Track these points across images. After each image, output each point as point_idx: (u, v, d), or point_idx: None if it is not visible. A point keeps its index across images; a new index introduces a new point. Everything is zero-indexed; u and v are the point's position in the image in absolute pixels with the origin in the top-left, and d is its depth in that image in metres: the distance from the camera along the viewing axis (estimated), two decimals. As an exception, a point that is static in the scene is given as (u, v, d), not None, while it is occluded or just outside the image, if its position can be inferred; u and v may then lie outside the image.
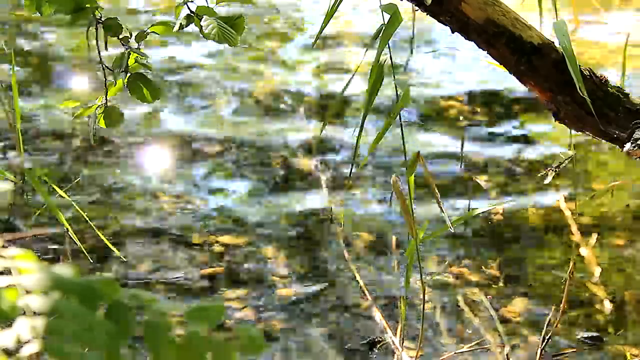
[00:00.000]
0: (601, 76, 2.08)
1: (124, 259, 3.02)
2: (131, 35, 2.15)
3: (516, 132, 3.83)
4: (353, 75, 2.13)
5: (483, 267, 3.07)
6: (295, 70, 4.20)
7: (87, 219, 2.97)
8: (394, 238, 3.16)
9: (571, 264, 2.62)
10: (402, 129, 2.39)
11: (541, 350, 2.68)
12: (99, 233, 2.94)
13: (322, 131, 2.41)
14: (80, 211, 2.95)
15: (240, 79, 4.16)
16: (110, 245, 2.90)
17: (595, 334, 2.81)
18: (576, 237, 2.68)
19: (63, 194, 2.85)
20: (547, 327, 2.70)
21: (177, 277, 2.98)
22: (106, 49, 2.15)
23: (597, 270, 2.99)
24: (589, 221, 3.28)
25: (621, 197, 3.39)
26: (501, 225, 3.27)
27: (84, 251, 2.96)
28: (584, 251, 2.85)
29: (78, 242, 2.80)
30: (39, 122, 3.75)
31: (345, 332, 2.80)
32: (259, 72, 4.21)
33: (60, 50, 4.31)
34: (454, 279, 3.02)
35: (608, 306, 2.88)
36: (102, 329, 0.93)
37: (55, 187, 2.87)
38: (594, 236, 3.13)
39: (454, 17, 2.04)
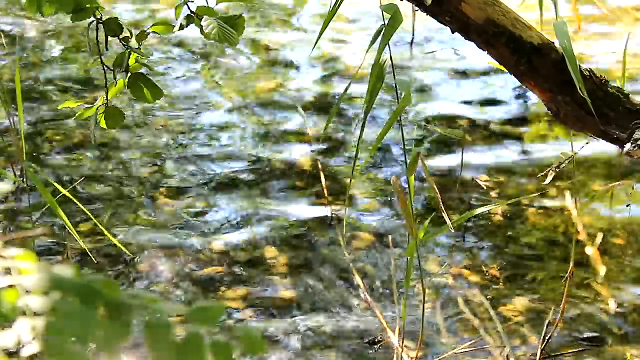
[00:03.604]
0: (601, 76, 2.09)
1: (132, 256, 3.03)
2: (132, 35, 2.15)
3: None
4: (354, 76, 2.13)
5: (483, 267, 3.07)
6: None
7: (92, 217, 2.98)
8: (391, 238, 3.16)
9: (571, 263, 2.62)
10: (401, 127, 2.39)
11: (541, 351, 2.68)
12: (105, 231, 2.94)
13: (325, 129, 2.41)
14: (85, 209, 2.95)
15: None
16: (117, 243, 2.91)
17: (596, 334, 2.81)
18: (582, 236, 2.67)
19: (66, 193, 2.85)
20: (547, 327, 2.70)
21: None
22: (107, 49, 2.15)
23: (603, 270, 2.99)
24: (589, 221, 3.28)
25: (621, 197, 3.39)
26: (501, 225, 3.28)
27: (87, 250, 2.96)
28: (589, 250, 2.84)
29: (80, 241, 2.80)
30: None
31: (345, 332, 2.81)
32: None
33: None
34: (454, 279, 3.02)
35: (613, 306, 2.88)
36: (102, 329, 0.94)
37: (57, 186, 2.87)
38: (600, 235, 3.13)
39: (454, 18, 2.05)
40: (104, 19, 2.10)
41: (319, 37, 2.19)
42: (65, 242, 3.05)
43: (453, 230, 2.38)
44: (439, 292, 2.97)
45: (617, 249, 3.16)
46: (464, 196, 3.40)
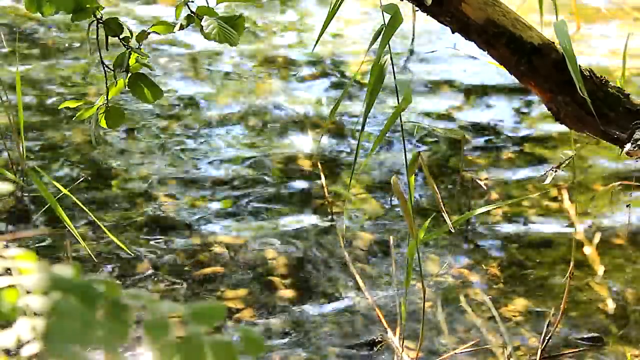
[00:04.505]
0: (601, 76, 2.09)
1: (132, 254, 3.03)
2: (132, 34, 2.15)
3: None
4: (354, 76, 2.13)
5: (483, 267, 3.07)
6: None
7: (93, 216, 2.97)
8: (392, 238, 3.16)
9: (571, 263, 2.62)
10: (402, 127, 2.39)
11: (541, 351, 2.68)
12: (105, 230, 2.94)
13: (322, 134, 2.41)
14: (84, 208, 2.95)
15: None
16: (117, 242, 2.91)
17: (595, 334, 2.81)
18: (579, 235, 2.68)
19: (66, 192, 2.85)
20: (547, 327, 2.70)
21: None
22: (107, 49, 2.15)
23: (601, 270, 2.99)
24: (589, 221, 3.28)
25: (621, 197, 3.39)
26: (501, 225, 3.28)
27: (87, 249, 2.96)
28: (587, 250, 2.85)
29: (81, 241, 2.80)
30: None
31: (345, 332, 2.81)
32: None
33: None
34: (454, 279, 3.02)
35: (611, 306, 2.88)
36: (102, 329, 0.94)
37: (57, 185, 2.87)
38: (598, 235, 3.13)
39: (454, 18, 2.05)
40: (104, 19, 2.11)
41: (320, 36, 2.19)
42: (66, 242, 3.05)
43: (453, 230, 2.38)
44: (439, 292, 2.97)
45: (617, 248, 3.16)
46: (464, 196, 3.40)
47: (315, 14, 4.69)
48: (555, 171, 2.24)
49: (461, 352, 2.71)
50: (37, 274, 0.96)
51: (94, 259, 3.00)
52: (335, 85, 4.04)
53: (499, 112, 3.94)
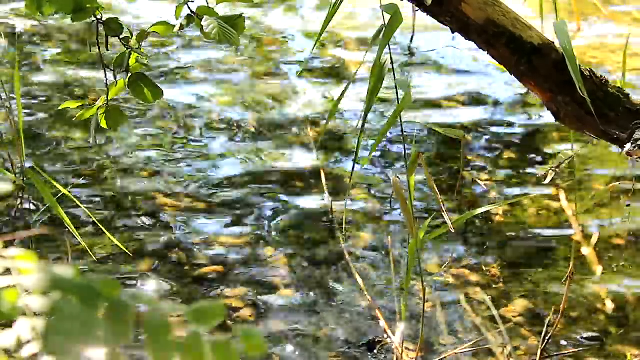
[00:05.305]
0: (601, 76, 2.09)
1: (130, 254, 3.03)
2: (132, 34, 2.15)
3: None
4: (353, 77, 2.13)
5: (483, 267, 3.07)
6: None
7: (91, 216, 2.97)
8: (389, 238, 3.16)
9: (571, 264, 2.62)
10: (402, 127, 2.39)
11: (541, 351, 2.68)
12: (105, 231, 2.94)
13: (325, 127, 2.41)
14: (84, 208, 2.95)
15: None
16: (116, 242, 2.91)
17: (595, 334, 2.81)
18: (577, 236, 2.68)
19: (65, 192, 2.85)
20: (547, 327, 2.70)
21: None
22: (107, 49, 2.15)
23: (599, 270, 2.99)
24: (588, 221, 3.28)
25: (620, 197, 3.39)
26: (501, 225, 3.27)
27: (87, 249, 2.96)
28: (585, 250, 2.85)
29: (81, 240, 2.80)
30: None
31: (345, 332, 2.81)
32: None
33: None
34: (454, 279, 3.02)
35: (610, 306, 2.88)
36: (102, 329, 0.94)
37: (57, 184, 2.87)
38: (596, 235, 3.13)
39: (454, 18, 2.05)
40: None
41: (319, 36, 2.19)
42: (66, 241, 3.05)
43: (453, 230, 2.38)
44: (439, 292, 2.97)
45: (617, 249, 3.16)
46: (464, 196, 3.40)
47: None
48: (555, 171, 2.24)
49: (461, 352, 2.71)
50: (37, 274, 0.96)
51: (94, 258, 3.00)
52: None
53: (499, 110, 3.94)
